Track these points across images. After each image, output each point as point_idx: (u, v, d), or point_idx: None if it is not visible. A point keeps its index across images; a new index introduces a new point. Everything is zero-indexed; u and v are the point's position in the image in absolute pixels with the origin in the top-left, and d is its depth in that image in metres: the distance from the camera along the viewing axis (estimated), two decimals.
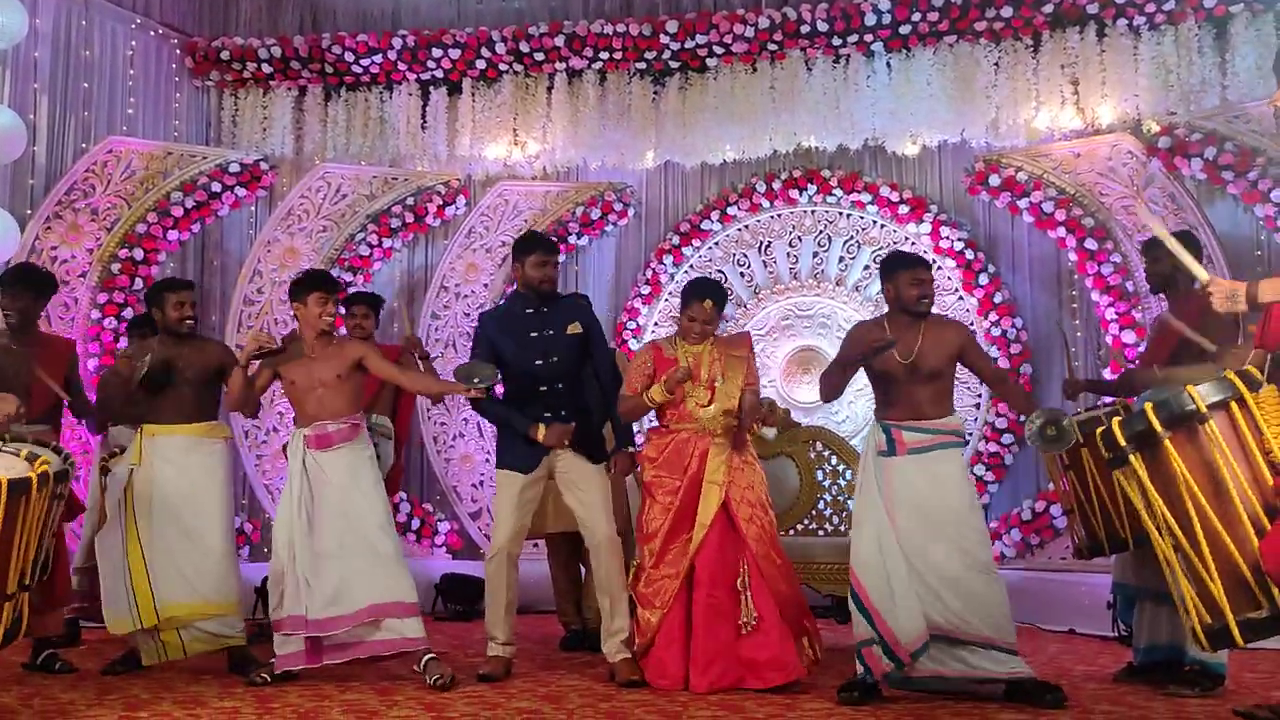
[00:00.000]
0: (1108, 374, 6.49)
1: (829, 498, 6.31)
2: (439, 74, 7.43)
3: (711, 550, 4.20)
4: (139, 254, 6.95)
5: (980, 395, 6.99)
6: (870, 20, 6.83)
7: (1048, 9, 6.63)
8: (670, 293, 7.59)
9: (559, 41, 7.21)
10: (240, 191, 7.33)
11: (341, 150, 7.49)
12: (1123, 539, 4.15)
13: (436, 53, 7.33)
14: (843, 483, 6.34)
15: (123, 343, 6.56)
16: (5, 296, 4.76)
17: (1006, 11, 6.65)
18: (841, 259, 7.45)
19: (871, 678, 3.90)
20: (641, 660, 4.27)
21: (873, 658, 3.88)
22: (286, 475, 4.51)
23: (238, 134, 7.48)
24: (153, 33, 7.33)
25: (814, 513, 6.30)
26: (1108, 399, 5.26)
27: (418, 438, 7.40)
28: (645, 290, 7.61)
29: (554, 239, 7.26)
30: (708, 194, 7.65)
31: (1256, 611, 2.42)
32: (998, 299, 7.03)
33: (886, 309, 4.28)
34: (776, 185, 7.45)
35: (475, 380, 4.23)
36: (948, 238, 7.14)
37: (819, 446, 6.39)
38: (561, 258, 7.57)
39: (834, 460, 6.37)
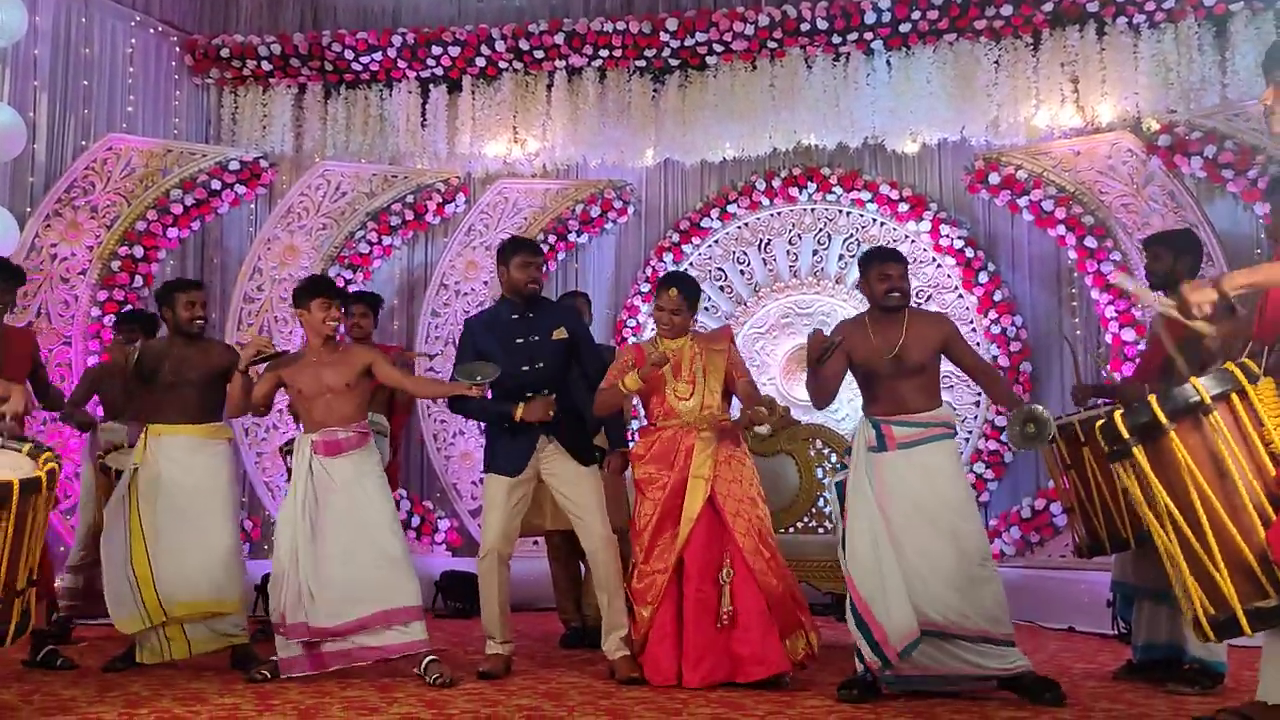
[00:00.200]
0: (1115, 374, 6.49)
1: (829, 496, 6.31)
2: (439, 71, 7.43)
3: (699, 544, 4.20)
4: (139, 251, 6.95)
5: (980, 392, 6.99)
6: (870, 18, 6.83)
7: (1048, 7, 6.63)
8: None
9: (559, 39, 7.21)
10: (240, 189, 7.33)
11: (341, 148, 7.49)
12: (1124, 538, 4.15)
13: (436, 50, 7.33)
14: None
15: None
16: None
17: (1006, 10, 6.65)
18: (841, 257, 7.45)
19: (870, 676, 3.91)
20: (639, 656, 4.27)
21: (868, 659, 3.88)
22: (290, 477, 4.49)
23: (237, 131, 7.48)
24: (152, 30, 7.32)
25: (813, 510, 6.30)
26: (1106, 400, 5.26)
27: (418, 435, 7.41)
28: (645, 288, 7.60)
29: (540, 241, 7.30)
30: (707, 192, 7.65)
31: (1265, 600, 2.42)
32: (997, 297, 7.03)
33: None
34: (776, 183, 7.45)
35: (477, 378, 4.23)
36: (947, 236, 7.15)
37: (818, 444, 6.39)
38: (561, 255, 7.65)
39: (833, 458, 6.36)
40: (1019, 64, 6.72)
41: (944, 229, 7.17)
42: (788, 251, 7.55)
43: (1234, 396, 2.51)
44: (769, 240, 7.57)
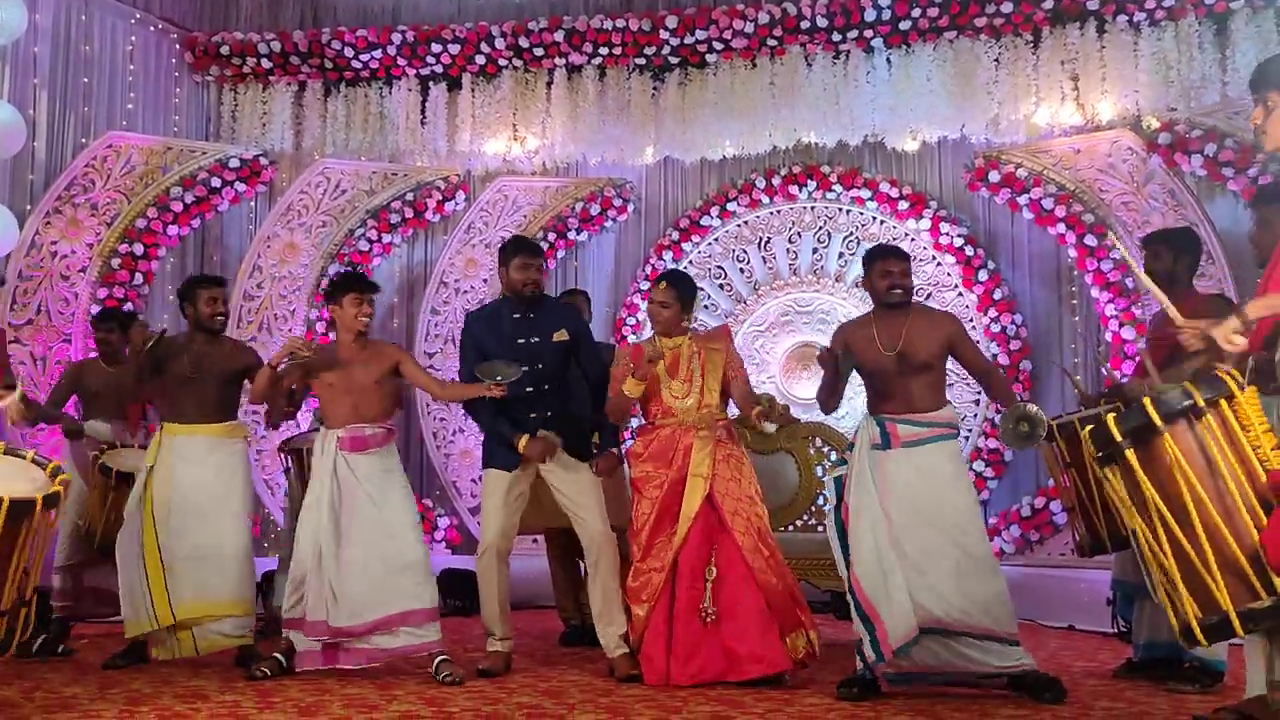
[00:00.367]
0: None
1: (826, 493, 6.32)
2: (439, 69, 7.43)
3: (695, 544, 4.21)
4: (139, 249, 6.95)
5: (980, 391, 6.99)
6: (870, 16, 6.82)
7: (1048, 5, 6.63)
8: None
9: (559, 37, 7.20)
10: (240, 187, 7.32)
11: (341, 145, 7.49)
12: (1124, 536, 4.13)
13: (436, 48, 7.32)
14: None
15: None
16: None
17: (1007, 7, 6.65)
18: (841, 255, 7.45)
19: (871, 674, 3.91)
20: (637, 655, 4.27)
21: (869, 656, 3.88)
22: (291, 474, 4.48)
23: (237, 129, 7.48)
24: (152, 28, 7.32)
25: (813, 508, 6.30)
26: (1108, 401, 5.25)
27: (417, 433, 7.41)
28: (645, 286, 7.60)
29: (540, 242, 7.31)
30: (707, 190, 7.65)
31: (1256, 601, 2.43)
32: (997, 295, 7.03)
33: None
34: (776, 181, 7.45)
35: (497, 377, 4.23)
36: (947, 234, 7.15)
37: (818, 442, 6.40)
38: (561, 253, 7.65)
39: (833, 456, 6.37)
40: (1019, 62, 6.72)
41: (944, 227, 7.17)
42: (787, 249, 7.55)
43: (1223, 402, 2.53)
44: (769, 238, 7.57)
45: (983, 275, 7.07)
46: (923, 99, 6.81)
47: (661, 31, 7.09)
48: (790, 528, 6.12)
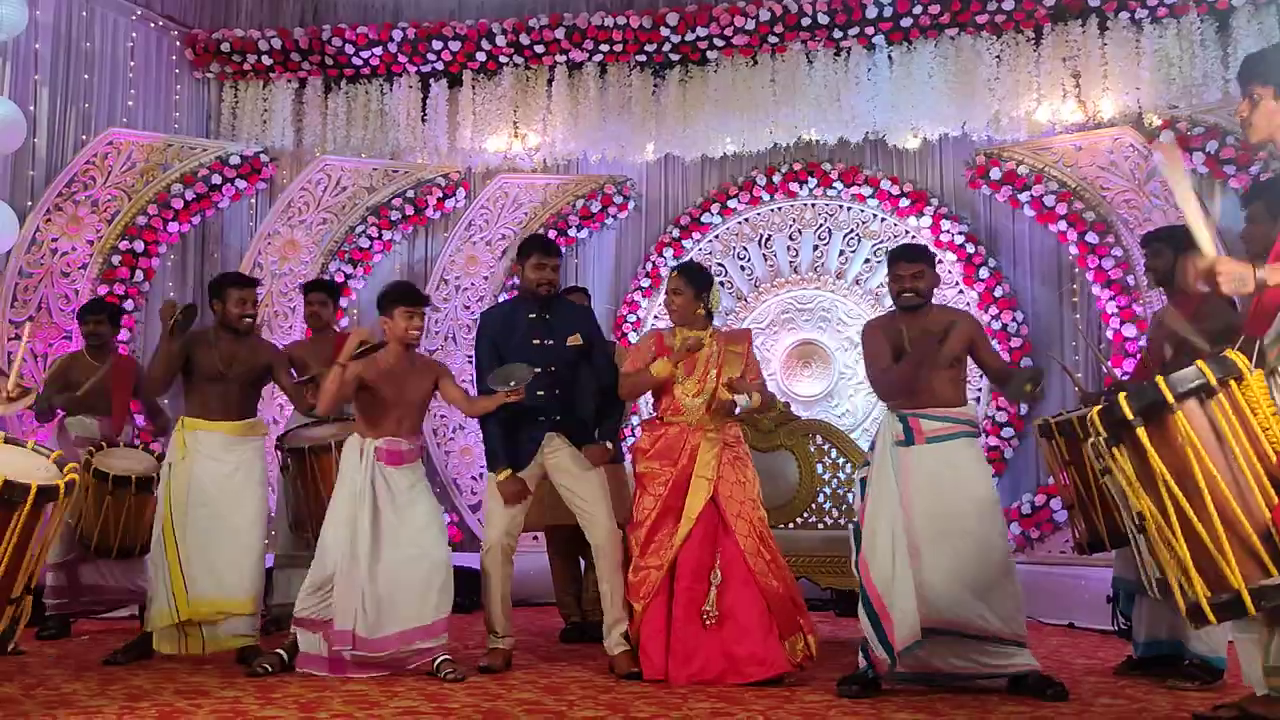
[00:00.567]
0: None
1: (828, 491, 6.31)
2: (439, 66, 7.43)
3: (696, 544, 4.20)
4: (139, 246, 6.95)
5: (980, 389, 6.99)
6: (871, 13, 6.82)
7: (1049, 1, 6.62)
8: None
9: (559, 34, 7.20)
10: (240, 184, 7.32)
11: (342, 143, 7.49)
12: (1124, 533, 4.14)
13: (437, 45, 7.32)
14: (842, 476, 6.34)
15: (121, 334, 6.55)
16: None
17: (1008, 4, 6.65)
18: (842, 252, 7.45)
19: (874, 673, 3.91)
20: (636, 650, 4.27)
21: (876, 654, 3.88)
22: (345, 479, 4.35)
23: (238, 126, 7.48)
24: (153, 25, 7.32)
25: (813, 506, 6.30)
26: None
27: None
28: (645, 283, 7.61)
29: (556, 241, 7.30)
30: (708, 187, 7.65)
31: (1269, 579, 2.43)
32: (998, 293, 7.03)
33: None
34: (777, 178, 7.45)
35: (512, 383, 4.23)
36: (948, 231, 7.14)
37: (819, 440, 6.39)
38: (562, 250, 7.63)
39: (834, 453, 6.37)
40: (1020, 59, 6.72)
41: (945, 224, 7.16)
42: (788, 247, 7.54)
43: (1233, 383, 2.54)
44: (769, 235, 7.57)
45: (983, 273, 7.06)
46: (924, 96, 6.80)
47: (662, 28, 7.09)
48: (791, 525, 6.11)
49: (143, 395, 5.45)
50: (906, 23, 6.83)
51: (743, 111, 7.04)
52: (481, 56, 7.34)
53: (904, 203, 7.24)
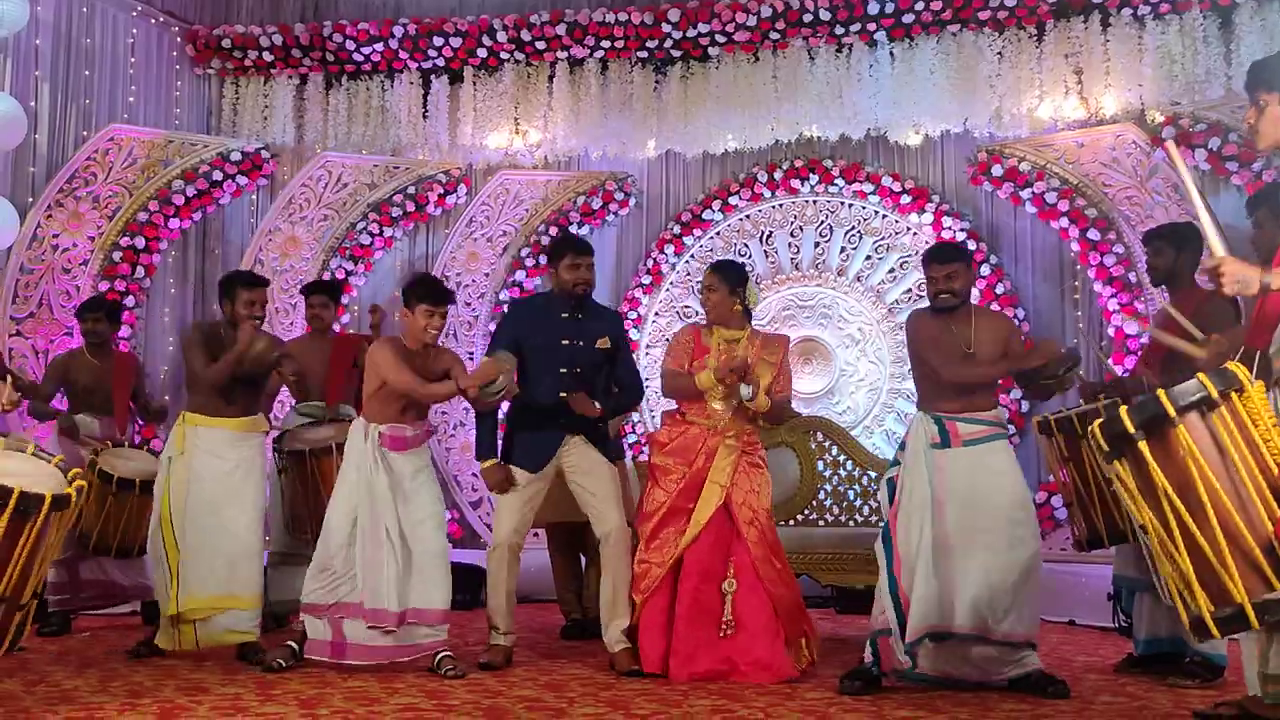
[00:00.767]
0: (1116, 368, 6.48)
1: (829, 488, 6.32)
2: (440, 63, 7.42)
3: (704, 547, 4.19)
4: (140, 242, 6.95)
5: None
6: (873, 9, 6.81)
7: None
8: (671, 283, 7.61)
9: (560, 30, 7.19)
10: (241, 180, 7.32)
11: (343, 139, 7.48)
12: (1122, 530, 4.15)
13: (438, 41, 7.31)
14: (843, 473, 6.35)
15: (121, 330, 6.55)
16: None
17: (1010, 0, 6.63)
18: (843, 249, 7.44)
19: (878, 669, 3.90)
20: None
21: (887, 649, 3.86)
22: (351, 462, 4.35)
23: (239, 122, 7.48)
24: (154, 20, 7.31)
25: (814, 503, 6.30)
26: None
27: None
28: (646, 280, 7.60)
29: (540, 236, 7.34)
30: (709, 184, 7.65)
31: (1272, 593, 2.42)
32: (1000, 290, 7.02)
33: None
34: (778, 175, 7.44)
35: (499, 392, 4.19)
36: (950, 228, 7.14)
37: (819, 437, 6.40)
38: None
39: (834, 451, 6.37)
40: (1022, 55, 6.71)
41: (946, 221, 7.15)
42: (789, 244, 7.54)
43: (1234, 395, 2.53)
44: (770, 232, 7.56)
45: (985, 270, 7.05)
46: (925, 92, 6.79)
47: (664, 25, 7.08)
48: (791, 522, 6.11)
49: (176, 394, 5.42)
50: (908, 19, 6.82)
51: (744, 108, 7.03)
52: (483, 53, 7.33)
53: (905, 199, 7.24)
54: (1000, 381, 4.37)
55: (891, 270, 7.35)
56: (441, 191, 7.57)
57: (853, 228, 7.42)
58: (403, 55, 7.41)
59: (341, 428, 4.87)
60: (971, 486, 3.91)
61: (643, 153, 7.49)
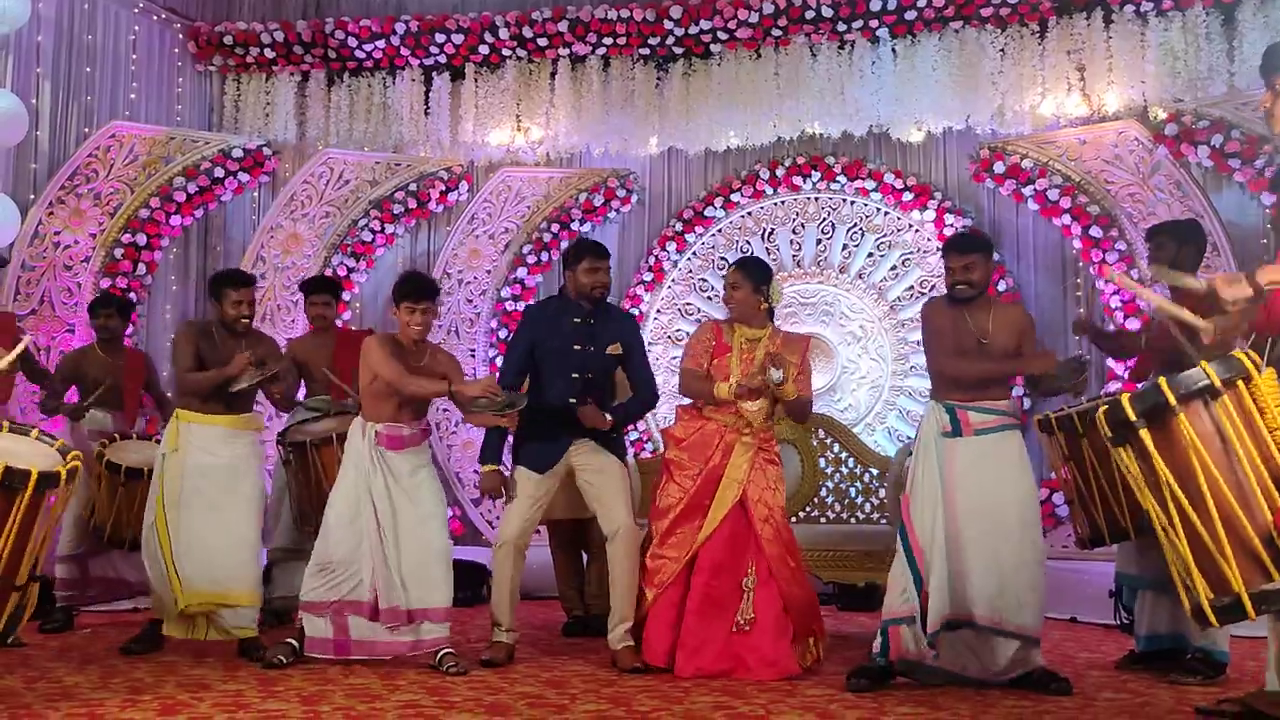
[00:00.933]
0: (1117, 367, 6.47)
1: (831, 485, 6.31)
2: (442, 59, 7.42)
3: (720, 543, 4.19)
4: (142, 239, 6.96)
5: None
6: (875, 5, 6.80)
7: None
8: (673, 280, 7.60)
9: (562, 27, 7.19)
10: (243, 177, 7.32)
11: (344, 136, 7.48)
12: (1123, 528, 4.14)
13: (440, 38, 7.31)
14: (844, 470, 6.34)
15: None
16: None
17: None
18: (845, 246, 7.43)
19: (885, 660, 3.88)
20: (640, 631, 4.27)
21: (898, 637, 3.85)
22: (350, 461, 4.37)
23: (240, 119, 7.48)
24: (155, 17, 7.31)
25: (816, 500, 6.30)
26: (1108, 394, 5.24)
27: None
28: (648, 277, 7.60)
29: (542, 233, 7.35)
30: (711, 181, 7.64)
31: (1270, 583, 2.42)
32: (1002, 287, 7.01)
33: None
34: (780, 172, 7.43)
35: (505, 410, 4.26)
36: (952, 225, 7.12)
37: (821, 434, 6.39)
38: (564, 244, 7.61)
39: (836, 448, 6.37)
40: (1025, 52, 6.70)
41: (948, 218, 7.14)
42: (791, 241, 7.53)
43: (1240, 383, 2.51)
44: (772, 229, 7.55)
45: None
46: (928, 89, 6.78)
47: (666, 22, 7.07)
48: (793, 519, 6.09)
49: (173, 389, 5.41)
50: (910, 15, 6.81)
51: (746, 105, 7.02)
52: (484, 50, 7.33)
53: (908, 196, 7.23)
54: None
55: (893, 267, 7.35)
56: (443, 188, 7.57)
57: (855, 225, 7.41)
58: (404, 52, 7.40)
59: (343, 420, 4.87)
60: (981, 476, 3.91)
61: (644, 149, 7.48)
